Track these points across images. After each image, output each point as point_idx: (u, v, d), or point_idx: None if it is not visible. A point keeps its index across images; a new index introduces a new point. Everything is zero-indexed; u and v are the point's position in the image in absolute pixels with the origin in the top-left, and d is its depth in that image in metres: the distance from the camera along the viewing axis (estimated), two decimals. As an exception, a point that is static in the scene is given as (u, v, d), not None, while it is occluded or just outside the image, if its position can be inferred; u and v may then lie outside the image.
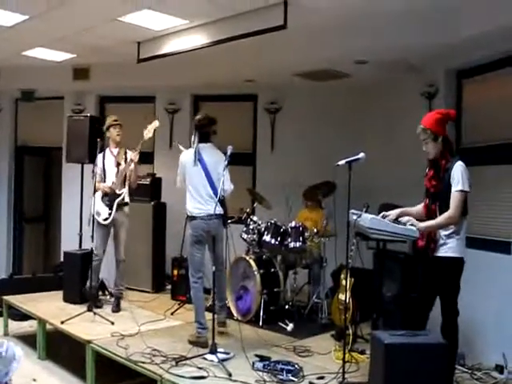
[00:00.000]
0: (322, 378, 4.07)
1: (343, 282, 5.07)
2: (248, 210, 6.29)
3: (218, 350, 4.42)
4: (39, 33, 6.01)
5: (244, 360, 4.35)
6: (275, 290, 5.89)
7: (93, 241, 5.92)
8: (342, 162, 4.12)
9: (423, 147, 3.92)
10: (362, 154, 4.10)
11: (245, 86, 7.59)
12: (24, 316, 6.38)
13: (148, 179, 7.33)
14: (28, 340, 6.03)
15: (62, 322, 5.32)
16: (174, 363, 4.25)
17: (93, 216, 5.99)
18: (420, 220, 3.90)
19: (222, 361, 4.28)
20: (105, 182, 6.14)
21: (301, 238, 5.92)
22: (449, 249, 3.79)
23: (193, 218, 4.96)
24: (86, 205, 6.61)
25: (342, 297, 5.01)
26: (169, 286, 7.08)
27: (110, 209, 6.03)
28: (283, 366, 4.16)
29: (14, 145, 9.21)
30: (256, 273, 5.74)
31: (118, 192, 6.05)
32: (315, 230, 6.05)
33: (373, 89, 6.93)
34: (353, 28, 5.07)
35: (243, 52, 5.83)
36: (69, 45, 6.44)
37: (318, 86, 7.17)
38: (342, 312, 4.69)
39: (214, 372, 4.11)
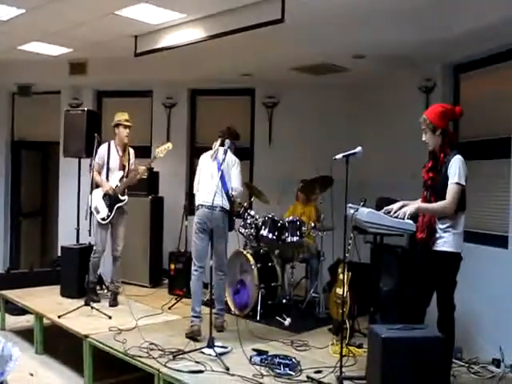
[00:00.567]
0: (319, 371, 4.08)
1: (340, 276, 5.08)
2: (245, 205, 6.28)
3: (216, 344, 4.42)
4: (35, 27, 5.97)
5: (241, 354, 4.36)
6: (272, 284, 5.91)
7: (90, 235, 5.93)
8: (339, 156, 4.12)
9: (423, 137, 3.93)
10: (359, 148, 4.09)
11: (242, 81, 7.57)
12: (21, 310, 6.37)
13: (145, 173, 7.30)
14: (25, 335, 6.04)
15: (60, 317, 5.32)
16: (171, 357, 4.26)
17: (90, 210, 5.99)
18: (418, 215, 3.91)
19: (219, 355, 4.28)
20: (107, 179, 6.11)
21: (298, 233, 5.92)
22: (445, 243, 3.79)
23: (198, 207, 5.07)
24: (83, 199, 6.60)
25: (339, 291, 5.02)
26: (166, 281, 7.09)
27: (110, 211, 6.03)
28: (281, 360, 4.16)
29: (11, 139, 9.18)
30: (253, 267, 5.74)
31: (120, 198, 6.08)
32: (312, 224, 6.06)
33: (370, 83, 6.92)
34: (350, 23, 5.05)
35: (240, 46, 5.81)
36: (65, 39, 6.40)
37: (316, 80, 7.15)
38: (339, 306, 4.69)
39: (211, 366, 4.11)
